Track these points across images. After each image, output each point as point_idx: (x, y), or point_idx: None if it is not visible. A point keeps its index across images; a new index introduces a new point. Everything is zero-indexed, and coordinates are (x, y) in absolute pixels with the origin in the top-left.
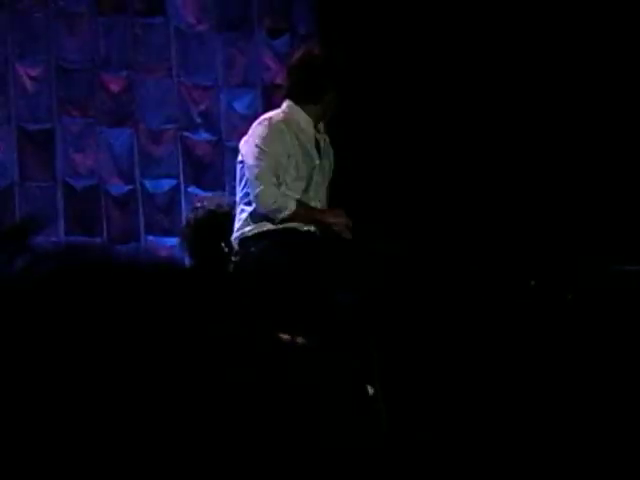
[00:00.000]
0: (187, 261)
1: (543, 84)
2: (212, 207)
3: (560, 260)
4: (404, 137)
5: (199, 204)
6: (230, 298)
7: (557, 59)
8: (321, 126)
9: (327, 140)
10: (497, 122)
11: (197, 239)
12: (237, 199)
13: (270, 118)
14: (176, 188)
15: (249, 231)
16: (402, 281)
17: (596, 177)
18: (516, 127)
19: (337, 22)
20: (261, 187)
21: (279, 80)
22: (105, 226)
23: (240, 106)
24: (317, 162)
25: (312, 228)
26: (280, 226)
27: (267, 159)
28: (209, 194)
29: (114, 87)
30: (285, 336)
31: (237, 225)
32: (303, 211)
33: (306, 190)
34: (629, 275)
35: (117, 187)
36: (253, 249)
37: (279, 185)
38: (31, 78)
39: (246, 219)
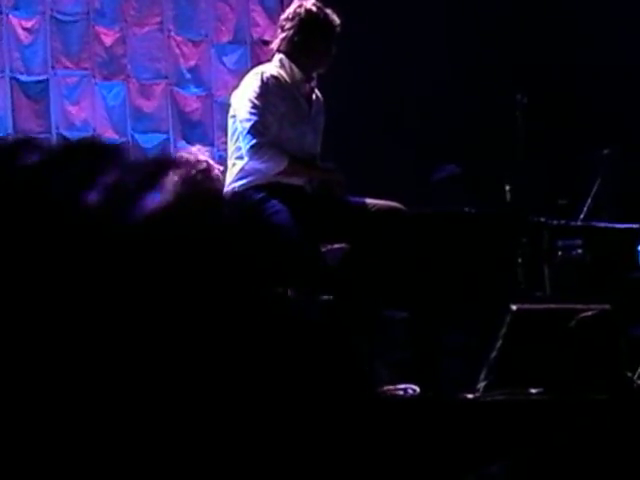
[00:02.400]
0: None
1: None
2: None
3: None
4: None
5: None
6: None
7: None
8: (314, 80)
9: (319, 94)
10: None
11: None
12: (228, 153)
13: (263, 72)
14: (166, 142)
15: (241, 185)
16: (394, 236)
17: None
18: None
19: None
20: (254, 140)
21: (268, 36)
22: None
23: (229, 61)
24: (310, 116)
25: (304, 183)
26: (272, 180)
27: (260, 112)
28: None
29: (107, 40)
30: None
31: (229, 178)
32: (296, 166)
33: (299, 144)
34: None
35: (111, 140)
36: (245, 203)
37: (272, 139)
38: (25, 29)
39: (238, 173)
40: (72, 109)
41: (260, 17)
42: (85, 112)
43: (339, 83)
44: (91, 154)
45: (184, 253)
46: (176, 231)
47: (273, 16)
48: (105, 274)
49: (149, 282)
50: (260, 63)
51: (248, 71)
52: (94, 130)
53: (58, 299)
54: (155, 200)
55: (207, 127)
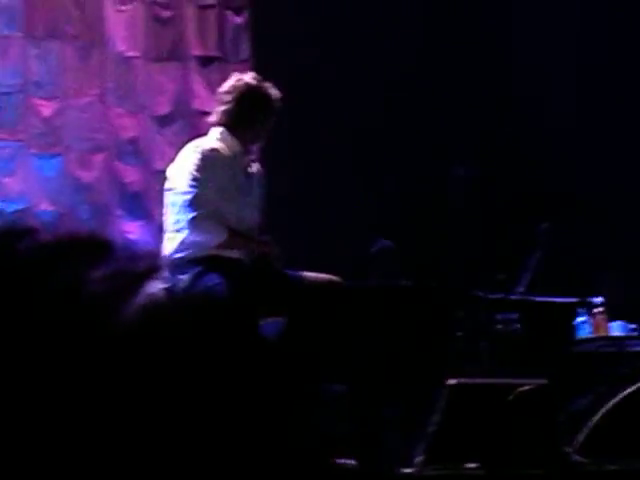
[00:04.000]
0: None
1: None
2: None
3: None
4: (340, 164)
5: None
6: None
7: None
8: (253, 153)
9: (259, 167)
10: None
11: None
12: (166, 225)
13: (202, 145)
14: (105, 214)
15: (179, 258)
16: (331, 309)
17: None
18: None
19: (270, 49)
20: (194, 213)
21: (209, 108)
22: None
23: (169, 133)
24: (248, 188)
25: (242, 256)
26: (211, 253)
27: (200, 186)
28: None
29: (45, 111)
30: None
31: (167, 251)
32: (235, 239)
33: (238, 217)
34: None
35: (47, 212)
36: (183, 276)
37: (212, 212)
38: None
39: (176, 245)
40: (7, 181)
41: (200, 88)
42: (21, 184)
43: (279, 156)
44: (86, 249)
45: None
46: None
47: (214, 87)
48: (106, 361)
49: (147, 363)
50: (200, 135)
51: (187, 142)
52: (29, 202)
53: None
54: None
55: (146, 199)
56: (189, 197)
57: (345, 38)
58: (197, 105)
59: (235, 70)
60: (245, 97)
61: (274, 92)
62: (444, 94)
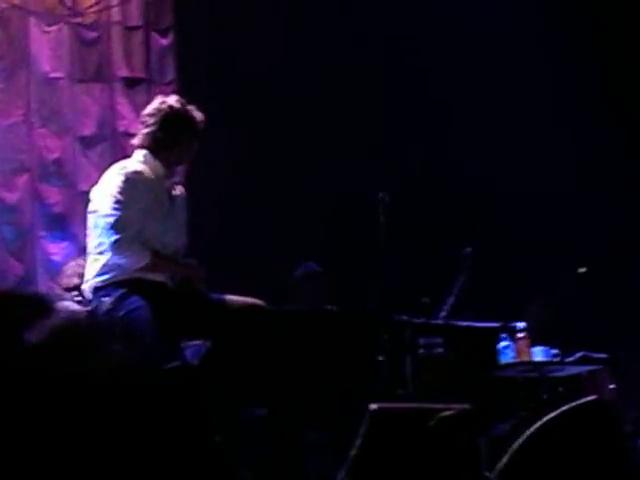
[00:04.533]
0: None
1: None
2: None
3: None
4: (265, 187)
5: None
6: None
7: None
8: (177, 176)
9: (182, 190)
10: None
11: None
12: (89, 247)
13: (126, 167)
14: (28, 235)
15: (102, 281)
16: (254, 333)
17: None
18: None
19: (195, 71)
20: (117, 236)
21: (134, 130)
22: None
23: (93, 154)
24: (172, 211)
25: (166, 279)
26: (134, 276)
27: (123, 209)
28: (62, 243)
29: None
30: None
31: (88, 274)
32: (158, 262)
33: (161, 239)
34: None
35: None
36: (105, 299)
37: (135, 235)
38: None
39: (99, 268)
40: None
41: (126, 110)
42: None
43: (203, 179)
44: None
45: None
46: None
47: (139, 109)
48: None
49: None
50: (126, 156)
51: (112, 164)
52: None
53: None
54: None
55: (69, 220)
56: (112, 220)
57: (270, 59)
58: (122, 127)
59: (161, 92)
60: (169, 120)
61: (198, 115)
62: (369, 118)
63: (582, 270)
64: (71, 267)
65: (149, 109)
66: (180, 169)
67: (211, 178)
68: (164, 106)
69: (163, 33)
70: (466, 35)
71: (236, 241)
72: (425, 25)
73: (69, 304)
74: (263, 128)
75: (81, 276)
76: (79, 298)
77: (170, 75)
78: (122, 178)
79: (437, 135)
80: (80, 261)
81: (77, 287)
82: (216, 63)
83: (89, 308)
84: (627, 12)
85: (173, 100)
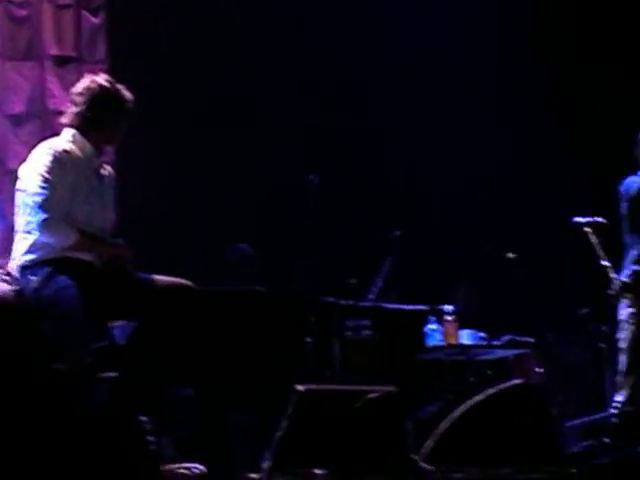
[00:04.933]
0: None
1: None
2: None
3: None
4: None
5: None
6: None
7: None
8: (106, 155)
9: (111, 170)
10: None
11: None
12: (17, 226)
13: (53, 146)
14: None
15: (30, 260)
16: (181, 313)
17: None
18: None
19: (126, 50)
20: (44, 215)
21: (64, 108)
22: None
23: (23, 133)
24: (100, 191)
25: (93, 259)
26: (61, 255)
27: (51, 188)
28: None
29: None
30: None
31: (16, 253)
32: (86, 241)
33: (89, 219)
34: None
35: None
36: (33, 277)
37: (62, 214)
38: None
39: (27, 247)
40: None
41: (56, 88)
42: None
43: (134, 158)
44: None
45: None
46: None
47: (70, 87)
48: None
49: None
50: (56, 134)
51: (41, 142)
52: None
53: None
54: None
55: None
56: (40, 199)
57: (202, 39)
58: (52, 105)
59: (91, 70)
60: (97, 99)
61: (127, 94)
62: (301, 102)
63: (511, 255)
64: None
65: (78, 88)
66: (109, 149)
67: (141, 158)
68: (93, 85)
69: (94, 12)
70: (405, 30)
71: (166, 221)
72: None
73: None
74: (194, 109)
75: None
76: (6, 277)
77: (101, 54)
78: (50, 157)
79: (370, 120)
80: None
81: None
82: (147, 42)
83: (16, 287)
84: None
85: (102, 79)
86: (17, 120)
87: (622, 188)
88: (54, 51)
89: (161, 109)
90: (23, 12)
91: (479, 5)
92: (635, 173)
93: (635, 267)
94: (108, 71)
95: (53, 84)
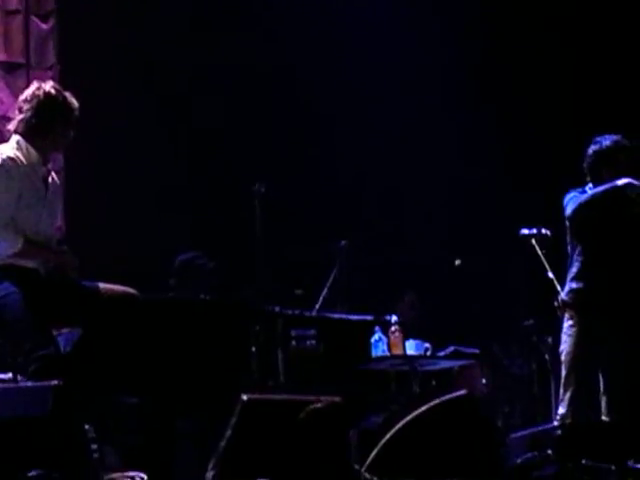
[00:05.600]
0: None
1: None
2: None
3: None
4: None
5: None
6: None
7: None
8: (53, 163)
9: (55, 176)
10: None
11: None
12: None
13: None
14: None
15: None
16: (126, 321)
17: None
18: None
19: (76, 57)
20: None
21: (13, 115)
22: None
23: None
24: (46, 197)
25: (38, 266)
26: (5, 262)
27: None
28: None
29: None
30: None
31: None
32: (30, 248)
33: (34, 226)
34: None
35: None
36: None
37: (7, 221)
38: None
39: None
40: None
41: (4, 94)
42: None
43: (81, 165)
44: None
45: None
46: None
47: (18, 94)
48: None
49: None
50: (4, 141)
51: None
52: None
53: None
54: None
55: None
56: None
57: (155, 44)
58: (1, 111)
59: (41, 77)
60: (44, 106)
61: (73, 102)
62: (250, 110)
63: (457, 262)
64: None
65: (25, 95)
66: (57, 156)
67: (88, 165)
68: (39, 92)
69: (44, 18)
70: (347, 29)
71: (112, 229)
72: (309, 18)
73: None
74: (143, 116)
75: None
76: None
77: (50, 60)
78: None
79: (317, 129)
80: None
81: None
82: (97, 48)
83: None
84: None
85: (49, 86)
86: None
87: (564, 202)
88: (2, 57)
89: (111, 115)
90: None
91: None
92: (582, 186)
93: (573, 284)
94: (58, 77)
95: (1, 90)
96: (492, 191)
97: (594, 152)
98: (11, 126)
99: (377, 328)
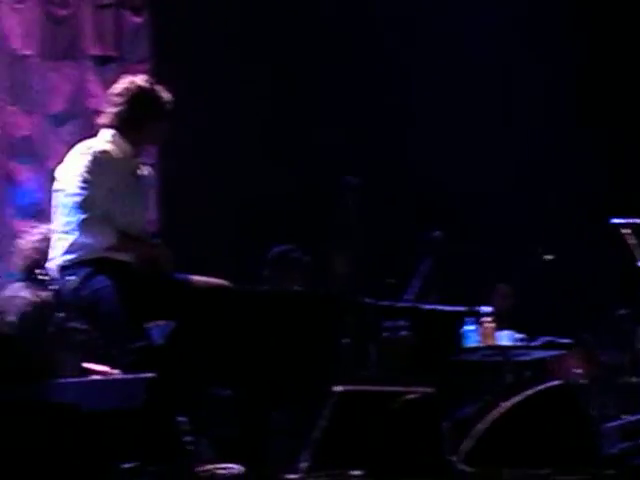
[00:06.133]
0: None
1: None
2: (42, 235)
3: None
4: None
5: (29, 231)
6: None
7: None
8: (146, 156)
9: (150, 170)
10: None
11: (29, 265)
12: (55, 227)
13: (93, 146)
14: None
15: (69, 260)
16: (219, 314)
17: None
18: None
19: (169, 50)
20: (84, 215)
21: (104, 108)
22: None
23: (64, 132)
24: (139, 191)
25: (131, 259)
26: (100, 255)
27: (90, 188)
28: (31, 220)
29: None
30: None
31: (54, 253)
32: (124, 242)
33: (128, 219)
34: None
35: None
36: (72, 278)
37: (101, 214)
38: None
39: (66, 247)
40: None
41: (96, 88)
42: None
43: (175, 157)
44: None
45: None
46: None
47: (110, 87)
48: None
49: None
50: (96, 134)
51: (80, 142)
52: None
53: None
54: None
55: (38, 198)
56: (79, 199)
57: (245, 38)
58: (93, 105)
59: (133, 70)
60: (136, 100)
61: (166, 95)
62: (342, 103)
63: (548, 257)
64: (26, 245)
65: (117, 88)
66: (150, 149)
67: (182, 158)
68: (132, 86)
69: (136, 11)
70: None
71: (206, 221)
72: (395, 21)
73: (18, 288)
74: (236, 108)
75: (38, 253)
76: (44, 277)
77: (143, 53)
78: (89, 157)
79: (409, 119)
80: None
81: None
82: (190, 42)
83: (55, 287)
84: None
85: (141, 80)
86: (57, 120)
87: None
88: (94, 51)
89: (204, 109)
90: (63, 12)
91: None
92: None
93: None
94: (150, 71)
95: (93, 84)
96: (584, 180)
97: None
98: (103, 119)
99: (469, 319)
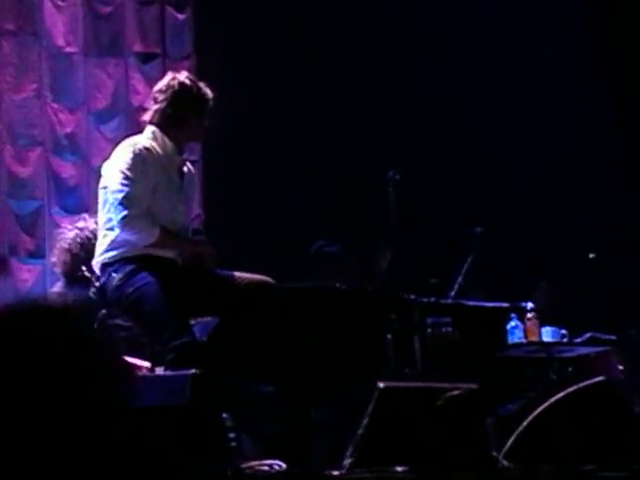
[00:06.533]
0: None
1: None
2: (86, 232)
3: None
4: (280, 165)
5: (71, 227)
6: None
7: None
8: (189, 152)
9: (191, 166)
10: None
11: (73, 262)
12: (99, 223)
13: (135, 143)
14: (41, 210)
15: (112, 257)
16: (263, 310)
17: None
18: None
19: (212, 46)
20: (126, 212)
21: (148, 104)
22: None
23: (107, 129)
24: (181, 188)
25: (175, 255)
26: (143, 252)
27: (132, 185)
28: (76, 217)
29: None
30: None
31: (99, 250)
32: (167, 238)
33: (170, 216)
34: None
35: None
36: (115, 275)
37: (144, 211)
38: None
39: (108, 244)
40: None
41: (140, 85)
42: None
43: (218, 155)
44: None
45: None
46: None
47: (154, 84)
48: None
49: None
50: (140, 131)
51: (124, 139)
52: None
53: None
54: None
55: (83, 195)
56: (121, 196)
57: (287, 33)
58: (136, 101)
59: (177, 67)
60: (179, 96)
61: (208, 91)
62: (381, 98)
63: (592, 256)
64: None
65: (159, 85)
66: (194, 146)
67: (225, 155)
68: (174, 82)
69: (179, 8)
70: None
71: (248, 218)
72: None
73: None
74: (279, 105)
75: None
76: (88, 274)
77: (187, 50)
78: (131, 154)
79: (451, 118)
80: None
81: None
82: (233, 38)
83: (98, 284)
84: None
85: (184, 76)
86: (101, 117)
87: None
88: (138, 48)
89: (247, 105)
90: (107, 9)
91: None
92: None
93: None
94: (193, 67)
95: (137, 80)
96: (625, 180)
97: None
98: (146, 116)
99: (513, 315)
